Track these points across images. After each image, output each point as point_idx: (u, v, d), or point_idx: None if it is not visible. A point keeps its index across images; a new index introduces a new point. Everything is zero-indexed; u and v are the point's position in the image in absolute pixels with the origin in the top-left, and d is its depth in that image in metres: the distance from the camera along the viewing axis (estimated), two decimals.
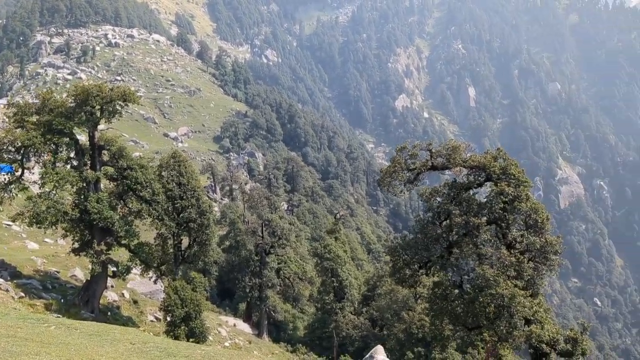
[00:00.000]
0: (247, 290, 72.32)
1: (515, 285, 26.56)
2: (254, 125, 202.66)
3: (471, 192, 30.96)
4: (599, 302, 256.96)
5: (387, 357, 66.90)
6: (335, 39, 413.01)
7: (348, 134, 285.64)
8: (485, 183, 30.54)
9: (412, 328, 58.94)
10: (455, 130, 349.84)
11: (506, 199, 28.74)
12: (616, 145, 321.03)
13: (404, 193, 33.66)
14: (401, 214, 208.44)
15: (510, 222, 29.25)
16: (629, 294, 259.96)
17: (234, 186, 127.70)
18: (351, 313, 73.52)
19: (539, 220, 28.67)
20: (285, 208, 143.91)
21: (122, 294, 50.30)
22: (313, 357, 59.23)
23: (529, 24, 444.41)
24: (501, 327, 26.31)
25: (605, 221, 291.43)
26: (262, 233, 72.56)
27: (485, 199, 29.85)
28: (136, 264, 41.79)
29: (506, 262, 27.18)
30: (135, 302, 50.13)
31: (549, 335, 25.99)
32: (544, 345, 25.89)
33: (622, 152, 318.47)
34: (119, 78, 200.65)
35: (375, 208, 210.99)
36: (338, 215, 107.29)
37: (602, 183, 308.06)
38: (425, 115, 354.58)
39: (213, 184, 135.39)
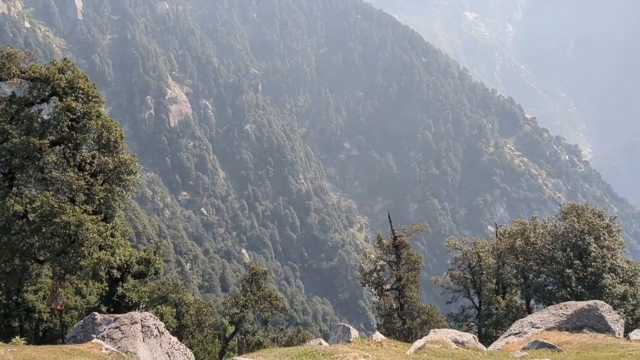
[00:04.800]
0: None
1: (85, 211, 24.52)
2: None
3: (35, 108, 27.02)
4: (205, 212, 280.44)
5: None
6: None
7: None
8: (52, 98, 26.97)
9: None
10: (62, 44, 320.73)
11: (74, 117, 25.91)
12: (219, 68, 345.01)
13: None
14: None
15: (79, 141, 26.64)
16: (230, 202, 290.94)
17: None
18: None
19: (112, 139, 26.87)
20: None
21: None
22: None
23: None
24: (68, 258, 24.24)
25: (210, 138, 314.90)
26: None
27: (50, 116, 26.44)
28: None
29: (75, 186, 24.78)
30: None
31: (121, 260, 25.13)
32: (114, 271, 24.90)
33: (224, 74, 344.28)
34: None
35: None
36: None
37: (207, 102, 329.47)
38: (27, 25, 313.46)
39: None
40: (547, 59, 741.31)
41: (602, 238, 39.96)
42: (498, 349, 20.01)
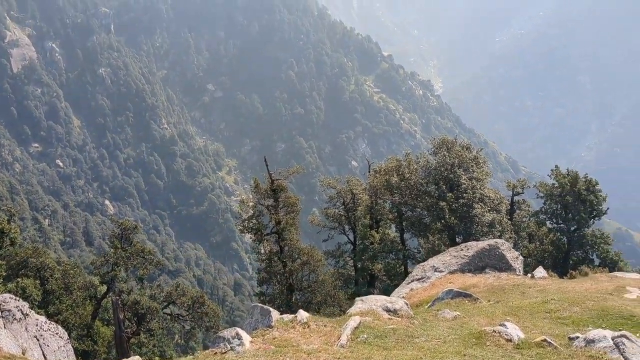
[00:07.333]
0: None
1: None
2: None
3: None
4: (61, 164, 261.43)
5: None
6: None
7: None
8: None
9: None
10: None
11: None
12: (64, 7, 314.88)
13: None
14: None
15: None
16: (88, 152, 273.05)
17: None
18: None
19: None
20: None
21: None
22: None
23: None
24: None
25: (60, 84, 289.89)
26: None
27: None
28: None
29: None
30: None
31: None
32: None
33: (71, 13, 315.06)
34: None
35: None
36: None
37: (54, 45, 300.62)
38: None
39: None
40: None
41: (471, 170, 41.99)
42: (403, 296, 19.98)
